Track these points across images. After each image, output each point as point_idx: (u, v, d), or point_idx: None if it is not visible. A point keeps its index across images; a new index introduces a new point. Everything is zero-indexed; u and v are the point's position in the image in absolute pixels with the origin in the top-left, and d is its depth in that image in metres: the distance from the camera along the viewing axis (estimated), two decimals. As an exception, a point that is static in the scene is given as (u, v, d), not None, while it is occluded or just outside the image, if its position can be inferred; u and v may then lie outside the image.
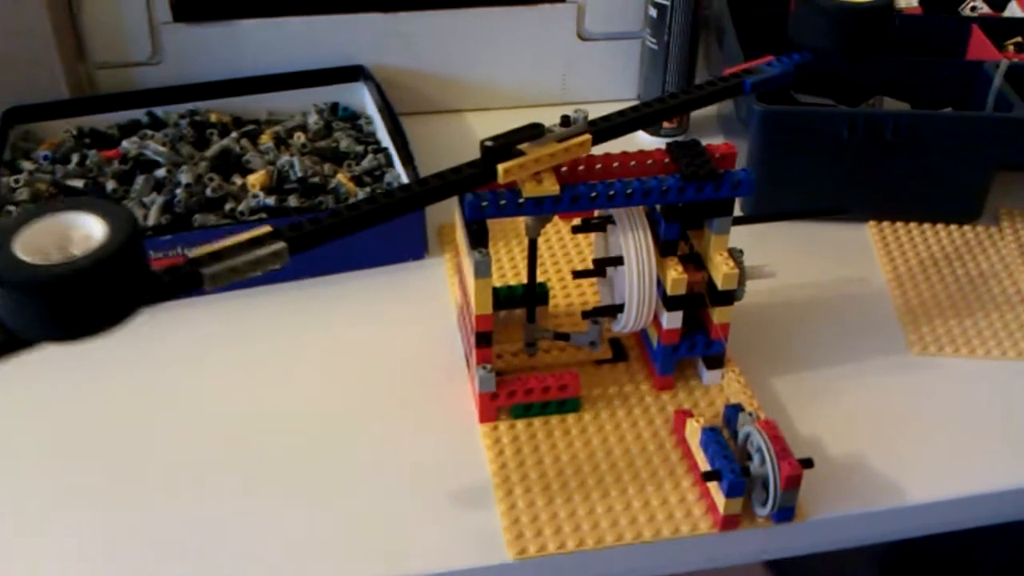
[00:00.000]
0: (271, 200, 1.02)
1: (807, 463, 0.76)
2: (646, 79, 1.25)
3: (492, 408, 0.85)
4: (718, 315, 0.87)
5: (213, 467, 0.83)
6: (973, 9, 1.38)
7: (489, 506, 0.79)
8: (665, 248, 0.84)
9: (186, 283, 0.64)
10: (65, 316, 0.56)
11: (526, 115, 0.79)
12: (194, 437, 0.85)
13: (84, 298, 0.55)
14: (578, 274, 0.92)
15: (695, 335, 0.88)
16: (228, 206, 1.02)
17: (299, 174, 1.06)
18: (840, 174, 1.09)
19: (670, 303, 0.85)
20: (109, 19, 1.17)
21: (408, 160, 1.06)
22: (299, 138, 1.13)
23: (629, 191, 0.80)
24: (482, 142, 0.76)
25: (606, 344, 0.92)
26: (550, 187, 0.78)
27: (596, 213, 0.88)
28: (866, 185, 1.10)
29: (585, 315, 0.88)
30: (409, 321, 0.97)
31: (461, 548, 0.76)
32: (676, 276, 0.83)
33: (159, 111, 1.16)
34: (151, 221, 0.99)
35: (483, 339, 0.82)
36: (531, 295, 0.88)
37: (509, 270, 1.04)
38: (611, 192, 0.80)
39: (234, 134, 1.12)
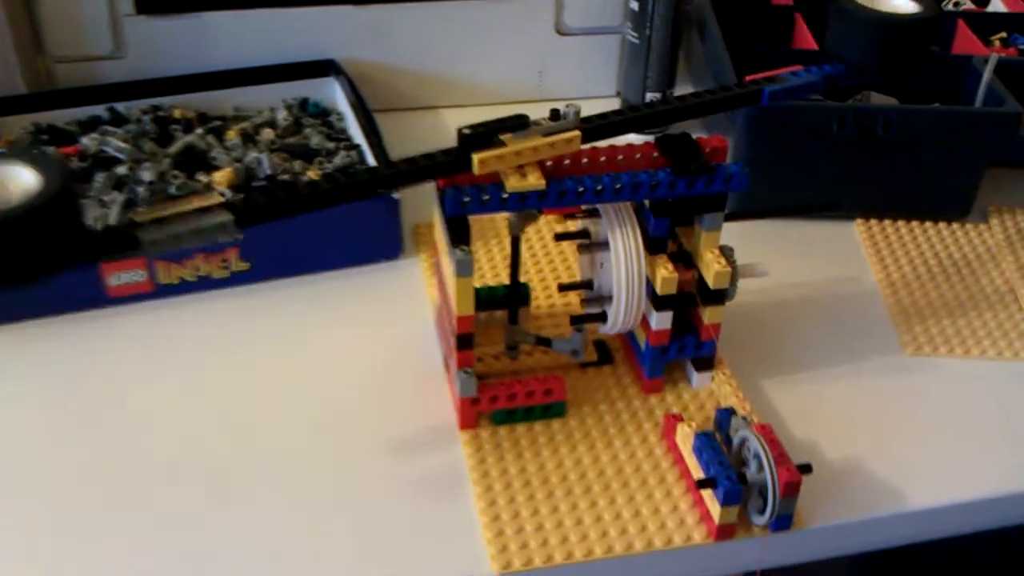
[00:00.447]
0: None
1: (806, 469, 0.73)
2: (626, 75, 1.22)
3: (473, 414, 0.81)
4: (709, 315, 0.83)
5: (175, 473, 0.78)
6: (956, 4, 1.36)
7: (471, 518, 0.75)
8: (654, 245, 0.81)
9: (123, 244, 0.61)
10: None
11: (502, 112, 0.75)
12: (156, 441, 0.81)
13: (14, 245, 0.56)
14: (565, 287, 0.87)
15: (684, 336, 0.85)
16: (193, 204, 0.97)
17: (268, 171, 1.02)
18: (829, 171, 1.06)
19: (660, 303, 0.81)
20: (68, 10, 1.12)
21: (382, 157, 1.01)
22: (267, 134, 1.08)
23: (618, 186, 0.76)
24: (459, 129, 0.72)
25: (591, 346, 0.88)
26: (535, 181, 0.74)
27: (582, 209, 0.84)
28: (855, 182, 1.07)
29: (574, 320, 0.84)
30: (384, 324, 0.93)
31: (442, 563, 0.72)
32: (666, 275, 0.79)
33: (121, 107, 1.11)
34: (112, 220, 0.94)
35: (464, 341, 0.78)
36: (514, 295, 0.84)
37: (488, 271, 1.00)
38: (599, 187, 0.76)
39: (199, 130, 1.07)
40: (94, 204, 0.96)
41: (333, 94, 1.17)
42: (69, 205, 0.58)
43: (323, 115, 1.15)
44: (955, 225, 1.10)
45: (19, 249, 0.57)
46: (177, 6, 1.14)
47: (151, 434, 0.81)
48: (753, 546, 0.75)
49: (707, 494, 0.74)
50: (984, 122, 1.04)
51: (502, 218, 1.07)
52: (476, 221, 0.81)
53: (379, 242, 0.99)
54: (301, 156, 1.06)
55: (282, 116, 1.12)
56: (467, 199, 0.74)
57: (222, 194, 0.97)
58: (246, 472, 0.78)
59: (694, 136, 0.80)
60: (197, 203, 0.65)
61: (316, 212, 0.94)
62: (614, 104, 1.23)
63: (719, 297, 0.82)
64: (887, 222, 1.10)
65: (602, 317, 0.83)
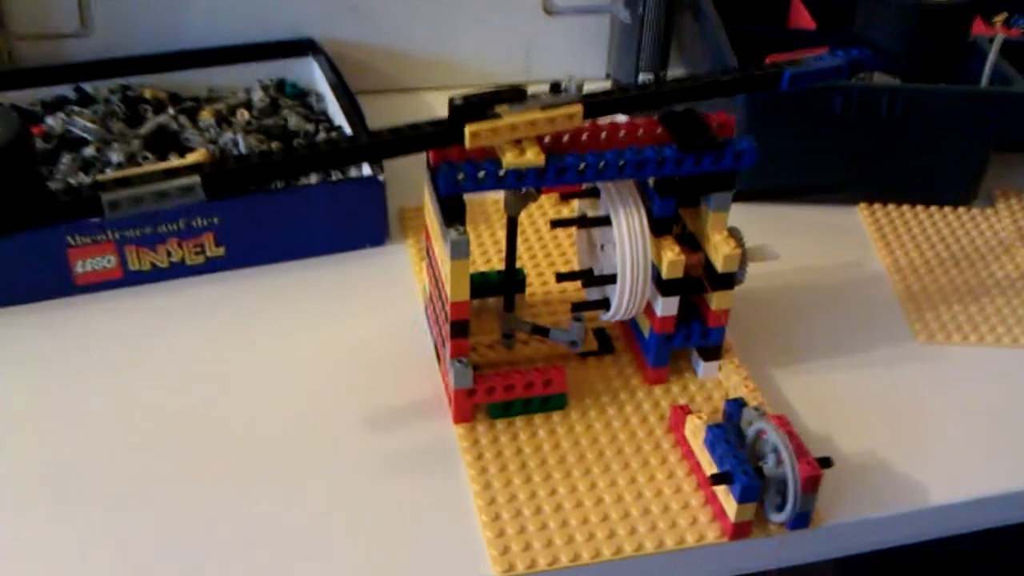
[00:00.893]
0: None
1: (826, 462, 0.68)
2: (617, 56, 1.17)
3: (468, 407, 0.76)
4: (717, 300, 0.78)
5: (149, 471, 0.73)
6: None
7: (469, 518, 0.70)
8: (659, 227, 0.76)
9: (83, 206, 0.57)
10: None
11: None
12: (126, 437, 0.75)
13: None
14: (563, 276, 0.82)
15: (690, 323, 0.80)
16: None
17: (244, 153, 0.96)
18: (831, 152, 1.02)
19: (665, 288, 0.76)
20: (31, -15, 1.06)
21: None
22: (243, 115, 1.03)
23: (622, 163, 0.71)
24: (451, 99, 0.67)
25: (590, 335, 0.83)
26: (534, 157, 0.69)
27: (583, 187, 0.79)
28: (858, 164, 1.03)
29: (575, 309, 0.79)
30: (371, 312, 0.88)
31: (441, 566, 0.67)
32: (673, 258, 0.75)
33: (88, 86, 1.05)
34: (79, 204, 0.88)
35: (459, 329, 0.73)
36: (510, 281, 0.79)
37: (479, 257, 0.95)
38: (602, 164, 0.71)
39: (171, 110, 1.01)
40: (60, 187, 0.90)
41: (311, 74, 1.12)
42: (23, 157, 0.55)
43: (301, 96, 1.10)
44: (961, 210, 1.06)
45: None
46: (147, -19, 1.09)
47: (121, 430, 0.76)
48: (770, 545, 0.70)
49: (721, 490, 0.69)
50: (992, 101, 1.00)
51: (492, 202, 1.02)
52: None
53: (363, 227, 0.94)
54: (279, 138, 1.01)
55: (258, 97, 1.07)
56: (462, 176, 0.69)
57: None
58: (222, 473, 0.73)
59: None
60: (165, 164, 0.60)
61: (296, 195, 0.90)
62: (604, 87, 1.19)
63: (728, 281, 0.77)
64: (892, 207, 1.06)
65: (604, 304, 0.78)
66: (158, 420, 0.77)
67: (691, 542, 0.69)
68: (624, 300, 0.75)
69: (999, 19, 1.23)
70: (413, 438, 0.76)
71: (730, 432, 0.71)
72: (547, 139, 0.72)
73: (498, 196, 1.02)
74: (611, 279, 0.75)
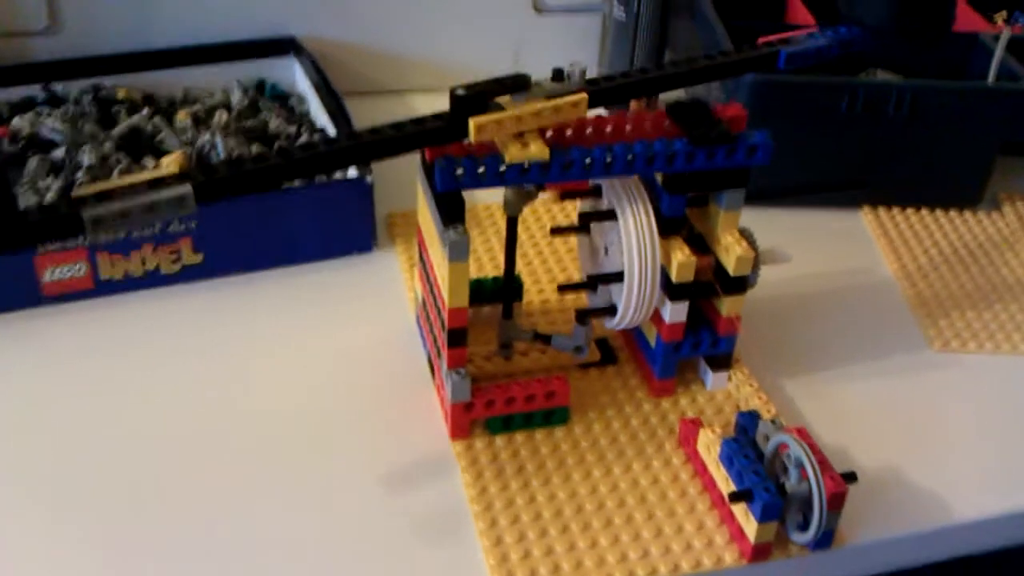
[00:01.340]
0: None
1: (851, 478, 0.64)
2: (611, 55, 1.13)
3: (466, 422, 0.71)
4: (728, 306, 0.74)
5: (118, 490, 0.67)
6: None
7: (470, 541, 0.65)
8: (668, 227, 0.71)
9: (62, 226, 0.52)
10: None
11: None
12: (96, 455, 0.70)
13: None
14: (565, 287, 0.77)
15: (699, 331, 0.76)
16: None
17: (222, 155, 0.91)
18: (835, 153, 0.98)
19: (675, 292, 0.72)
20: (-4, -19, 1.01)
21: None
22: (221, 117, 0.98)
23: (630, 157, 0.67)
24: (452, 90, 0.63)
25: (592, 346, 0.79)
26: (538, 151, 0.65)
27: (589, 185, 0.74)
28: (864, 164, 0.99)
29: (579, 315, 0.75)
30: (359, 324, 0.83)
31: (438, 593, 0.62)
32: (683, 259, 0.70)
33: (58, 87, 1.00)
34: (47, 208, 0.83)
35: (457, 337, 0.69)
36: (508, 287, 0.74)
37: (472, 264, 0.89)
38: (609, 158, 0.67)
39: (145, 111, 0.96)
40: (27, 191, 0.85)
41: (293, 75, 1.07)
42: None
43: (282, 98, 1.05)
44: (967, 213, 1.02)
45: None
46: (119, -24, 1.04)
47: (90, 447, 0.70)
48: (791, 567, 0.66)
49: (739, 509, 0.64)
50: (1001, 98, 0.97)
51: (483, 206, 0.97)
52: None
53: (350, 232, 0.89)
54: (260, 140, 0.96)
55: (237, 98, 1.02)
56: (460, 171, 0.64)
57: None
58: (197, 496, 0.68)
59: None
60: (148, 175, 0.55)
61: (278, 198, 0.85)
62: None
63: (740, 285, 0.73)
64: (896, 210, 1.02)
65: (611, 311, 0.73)
66: (128, 441, 0.71)
67: (708, 565, 0.64)
68: (632, 305, 0.71)
69: (1000, 16, 1.20)
70: (407, 456, 0.71)
71: (746, 446, 0.66)
72: (549, 133, 0.67)
73: (489, 202, 0.97)
74: (617, 276, 0.70)
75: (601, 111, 0.71)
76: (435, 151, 0.66)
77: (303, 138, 0.96)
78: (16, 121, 0.92)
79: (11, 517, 0.65)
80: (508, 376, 0.76)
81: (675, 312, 0.73)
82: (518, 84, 0.64)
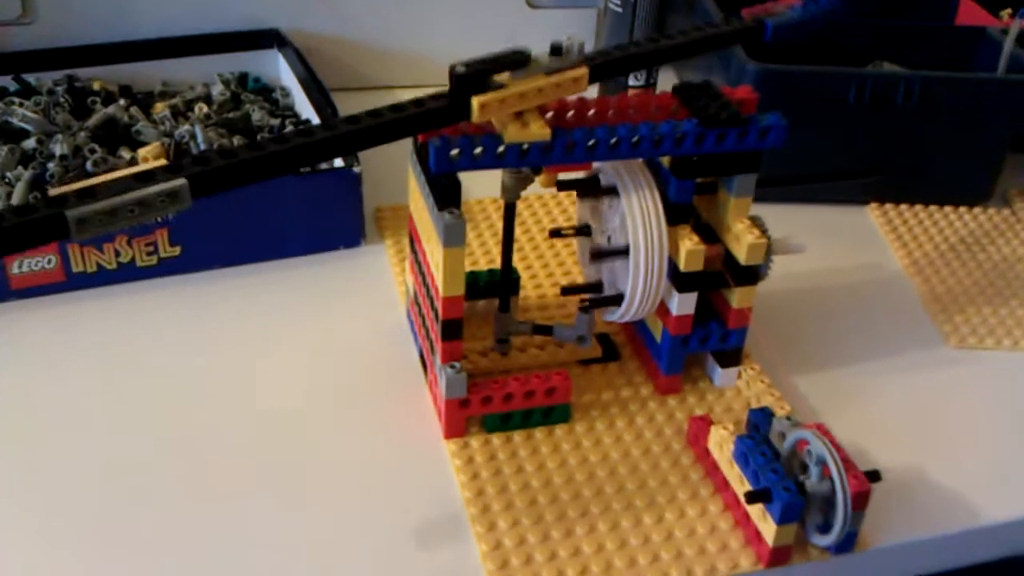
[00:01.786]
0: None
1: (874, 476, 0.60)
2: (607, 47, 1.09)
3: (461, 419, 0.67)
4: (739, 297, 0.70)
5: (91, 494, 0.63)
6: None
7: (467, 546, 0.61)
8: (675, 214, 0.67)
9: (43, 229, 0.46)
10: None
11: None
12: (66, 459, 0.65)
13: None
14: (567, 290, 0.73)
15: (708, 324, 0.71)
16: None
17: (203, 147, 0.87)
18: (843, 144, 0.94)
19: (682, 282, 0.68)
20: (-35, -32, 0.96)
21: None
22: (201, 109, 0.93)
23: (636, 138, 0.63)
24: (452, 67, 0.59)
25: (593, 341, 0.74)
26: (539, 131, 0.61)
27: (593, 166, 0.70)
28: (871, 157, 0.95)
29: (565, 291, 0.71)
30: (347, 319, 0.78)
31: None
32: (691, 247, 0.66)
33: (31, 78, 0.95)
34: (15, 200, 0.79)
35: (451, 329, 0.64)
36: (507, 277, 0.70)
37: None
38: (613, 139, 0.63)
39: (121, 101, 0.92)
40: (-2, 191, 0.80)
41: (276, 68, 1.03)
42: None
43: (265, 91, 1.01)
44: (977, 210, 0.99)
45: None
46: (96, -36, 1.00)
47: (60, 450, 0.66)
48: (811, 572, 0.61)
49: (756, 510, 0.60)
50: (1011, 90, 0.93)
51: (475, 201, 0.93)
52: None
53: (337, 225, 0.84)
54: (242, 132, 0.92)
55: (218, 91, 0.98)
56: (456, 152, 0.60)
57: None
58: (175, 493, 0.63)
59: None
60: (134, 168, 0.50)
61: (260, 188, 0.79)
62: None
63: (752, 275, 0.69)
64: (904, 206, 0.98)
65: (616, 299, 0.69)
66: (99, 443, 0.66)
67: (724, 571, 0.60)
68: (638, 294, 0.67)
69: (1006, 12, 1.18)
70: (398, 456, 0.66)
71: (762, 443, 0.62)
72: (549, 114, 0.63)
73: (481, 195, 0.93)
74: (622, 251, 0.66)
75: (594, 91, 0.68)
76: (428, 133, 0.61)
77: (288, 130, 0.92)
78: (-16, 110, 0.88)
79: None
80: (505, 372, 0.72)
81: (683, 304, 0.68)
82: (517, 60, 0.60)
